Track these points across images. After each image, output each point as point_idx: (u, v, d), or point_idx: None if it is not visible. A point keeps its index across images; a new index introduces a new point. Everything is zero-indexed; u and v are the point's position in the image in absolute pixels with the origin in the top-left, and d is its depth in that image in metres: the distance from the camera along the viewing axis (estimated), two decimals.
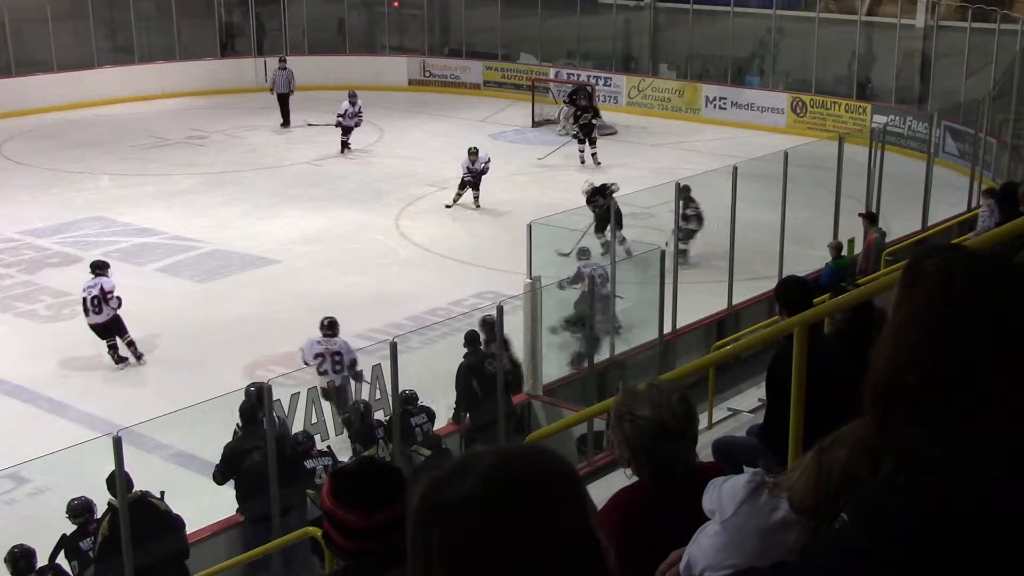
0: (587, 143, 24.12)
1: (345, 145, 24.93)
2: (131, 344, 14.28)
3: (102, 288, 14.10)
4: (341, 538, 2.79)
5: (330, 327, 12.56)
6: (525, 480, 1.42)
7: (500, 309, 11.00)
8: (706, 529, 2.62)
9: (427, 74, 33.07)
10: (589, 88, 27.14)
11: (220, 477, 9.90)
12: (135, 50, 31.21)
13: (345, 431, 10.78)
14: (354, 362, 12.25)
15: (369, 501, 2.75)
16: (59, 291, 16.70)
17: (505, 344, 11.49)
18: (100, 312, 14.05)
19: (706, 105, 28.83)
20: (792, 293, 5.78)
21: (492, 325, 11.44)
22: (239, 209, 20.95)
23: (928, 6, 26.23)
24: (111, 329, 14.16)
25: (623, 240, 15.66)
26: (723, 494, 2.61)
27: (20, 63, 29.29)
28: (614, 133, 27.39)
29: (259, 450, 9.71)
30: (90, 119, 28.36)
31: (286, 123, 27.65)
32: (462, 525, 1.38)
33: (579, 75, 29.92)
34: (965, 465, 1.37)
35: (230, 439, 10.01)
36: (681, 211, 15.58)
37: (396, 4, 34.51)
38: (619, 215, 15.95)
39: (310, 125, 26.65)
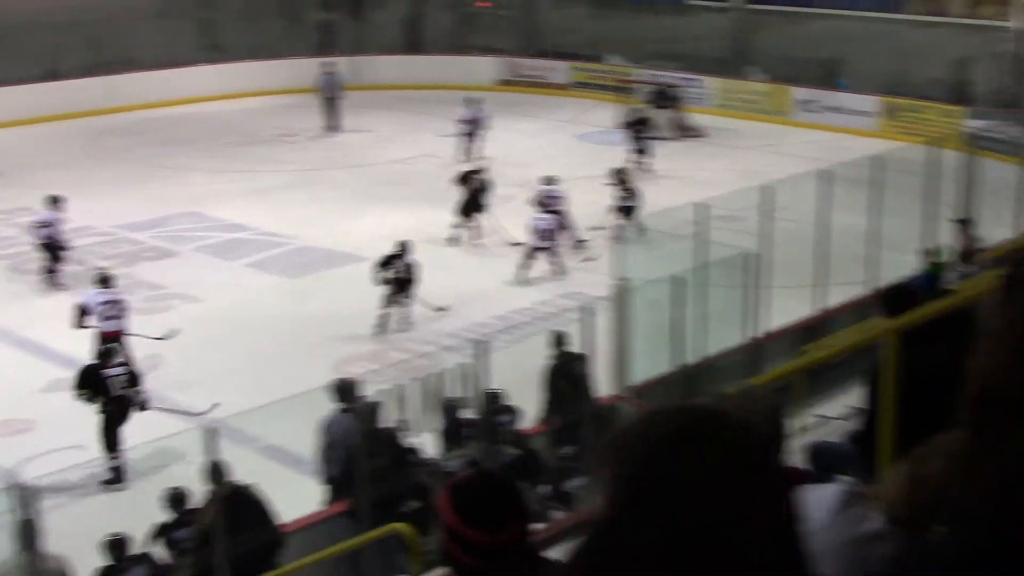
0: (642, 153, 23.58)
1: (469, 152, 24.25)
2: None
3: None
4: (464, 556, 2.66)
5: (103, 282, 13.92)
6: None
7: (589, 310, 11.02)
8: None
9: (514, 74, 33.14)
10: (672, 90, 27.04)
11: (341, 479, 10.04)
12: (228, 48, 31.73)
13: (435, 430, 10.85)
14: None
15: (495, 518, 2.64)
16: (154, 284, 17.04)
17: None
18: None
19: (795, 108, 28.53)
20: (897, 299, 5.71)
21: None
22: (328, 206, 21.19)
23: None
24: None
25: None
26: (813, 504, 2.60)
27: (117, 61, 29.92)
28: (702, 135, 27.23)
29: (380, 456, 9.85)
30: (184, 116, 28.91)
31: (333, 127, 27.52)
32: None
33: (666, 76, 29.74)
34: None
35: (325, 432, 10.17)
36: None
37: (485, 4, 34.64)
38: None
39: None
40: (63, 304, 16.29)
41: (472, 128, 24.44)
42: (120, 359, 12.28)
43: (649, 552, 1.30)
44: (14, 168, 23.90)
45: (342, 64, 31.17)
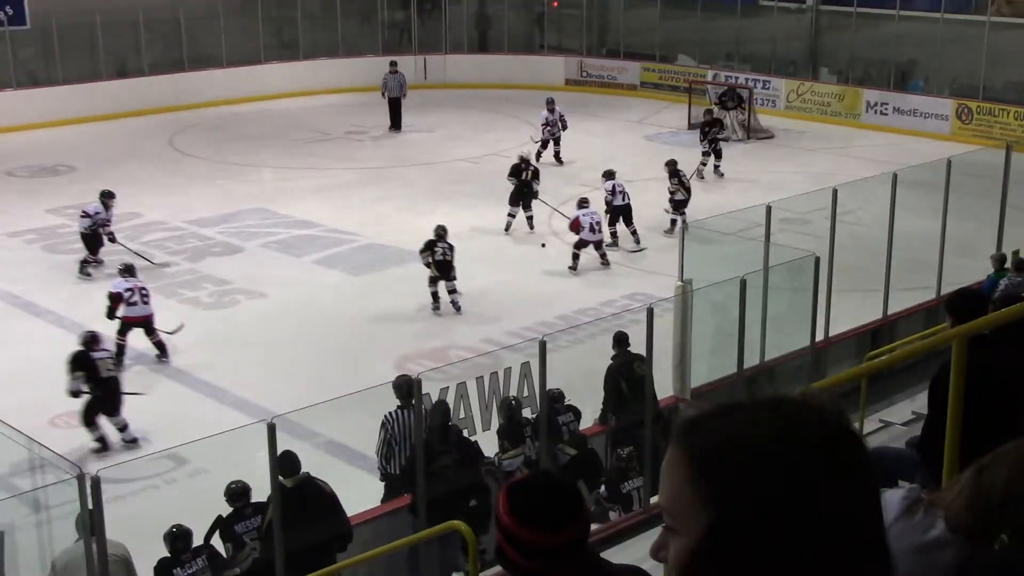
0: (712, 155, 23.30)
1: (557, 156, 24.26)
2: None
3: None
4: (519, 556, 2.65)
5: (126, 271, 14.58)
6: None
7: (651, 311, 10.95)
8: None
9: (584, 74, 33.10)
10: (741, 92, 26.88)
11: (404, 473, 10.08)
12: (300, 47, 32.03)
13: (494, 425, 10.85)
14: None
15: (552, 519, 2.63)
16: (221, 279, 17.23)
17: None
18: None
19: (867, 110, 28.20)
20: (965, 304, 5.60)
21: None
22: (395, 204, 21.30)
23: None
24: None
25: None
26: None
27: (192, 59, 30.34)
28: (771, 137, 27.03)
29: (448, 455, 9.88)
30: (256, 113, 29.24)
31: (396, 127, 27.61)
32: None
33: (737, 78, 29.56)
34: None
35: (388, 429, 10.22)
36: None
37: (555, 4, 34.65)
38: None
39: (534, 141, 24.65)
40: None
41: (553, 129, 24.40)
42: (105, 345, 12.66)
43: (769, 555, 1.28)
44: (87, 164, 24.27)
45: (410, 63, 31.36)
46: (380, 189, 22.45)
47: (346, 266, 18.07)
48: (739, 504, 1.27)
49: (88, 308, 15.72)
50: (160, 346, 14.47)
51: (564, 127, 24.51)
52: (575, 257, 17.77)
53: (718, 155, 23.28)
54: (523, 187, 19.67)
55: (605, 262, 17.90)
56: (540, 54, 33.94)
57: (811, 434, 1.32)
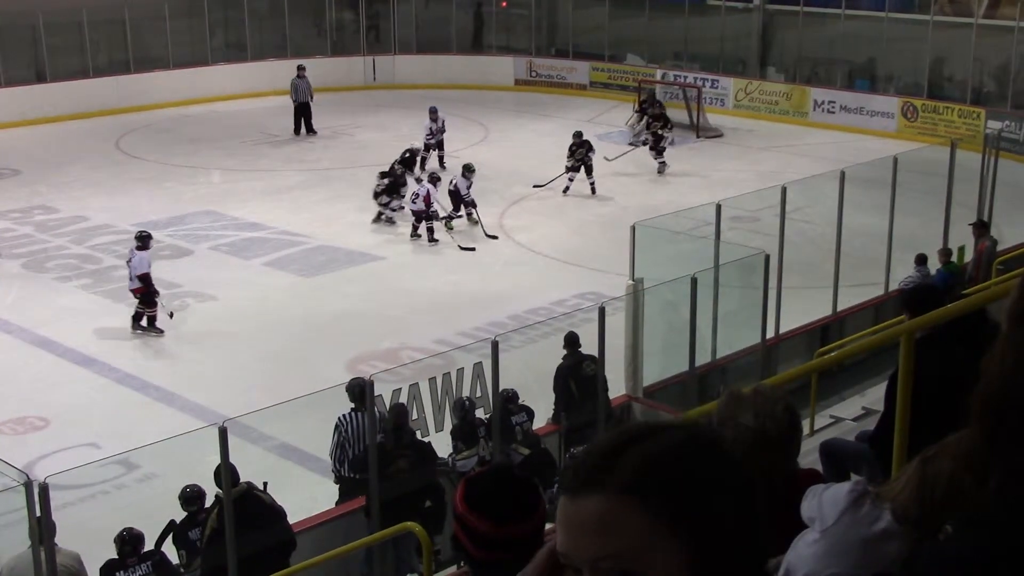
0: (655, 152, 23.67)
1: (440, 161, 24.11)
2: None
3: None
4: (472, 545, 2.73)
5: (139, 239, 15.35)
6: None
7: (602, 310, 10.99)
8: (805, 537, 2.59)
9: (533, 74, 33.14)
10: (660, 100, 27.11)
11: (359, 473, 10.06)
12: (248, 48, 31.82)
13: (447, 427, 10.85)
14: (144, 276, 15.07)
15: (502, 511, 2.70)
16: (170, 283, 17.04)
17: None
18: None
19: (814, 109, 28.45)
20: (922, 298, 5.65)
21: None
22: (346, 205, 21.20)
23: None
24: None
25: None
26: (824, 502, 2.58)
27: (138, 60, 30.04)
28: (720, 136, 27.19)
29: (405, 458, 9.84)
30: (203, 115, 29.00)
31: (300, 131, 27.13)
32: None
33: (685, 76, 29.73)
34: None
35: (342, 431, 10.18)
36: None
37: (504, 4, 34.66)
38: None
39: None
40: (78, 302, 16.41)
41: (437, 136, 24.40)
42: None
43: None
44: (33, 167, 23.98)
45: (359, 64, 31.24)
46: (330, 191, 22.36)
47: (297, 268, 17.98)
48: (714, 526, 1.32)
49: (35, 314, 15.57)
50: (150, 321, 15.20)
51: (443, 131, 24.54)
52: (430, 231, 19.07)
53: (657, 147, 23.77)
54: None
55: (432, 239, 19.05)
56: (489, 54, 33.94)
57: (724, 442, 1.40)
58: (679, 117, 27.35)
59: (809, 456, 6.11)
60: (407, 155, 21.58)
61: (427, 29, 33.69)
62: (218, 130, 27.45)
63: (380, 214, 20.09)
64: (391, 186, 20.18)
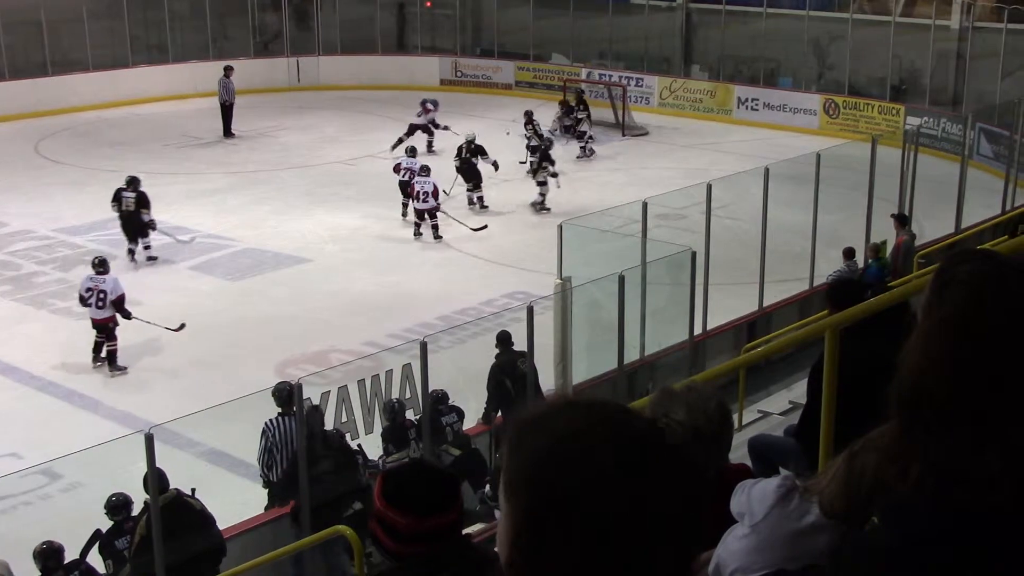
0: (576, 139, 25.08)
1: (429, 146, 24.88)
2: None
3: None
4: (389, 540, 2.73)
5: (100, 265, 14.20)
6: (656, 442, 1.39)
7: (531, 309, 11.00)
8: (734, 531, 2.61)
9: (459, 74, 33.11)
10: (578, 89, 27.72)
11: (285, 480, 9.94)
12: (169, 49, 31.42)
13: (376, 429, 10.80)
14: (121, 298, 14.05)
15: (419, 505, 2.70)
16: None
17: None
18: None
19: (738, 106, 28.74)
20: (844, 293, 5.72)
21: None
22: (272, 208, 21.04)
23: (963, 7, 26.01)
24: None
25: None
26: (753, 497, 2.60)
27: (56, 62, 29.52)
28: (645, 134, 27.37)
29: (328, 459, 9.77)
30: (125, 118, 28.57)
31: (228, 133, 26.94)
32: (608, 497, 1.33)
33: (610, 75, 29.88)
34: (991, 472, 1.36)
35: (266, 435, 10.08)
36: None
37: (428, 4, 34.58)
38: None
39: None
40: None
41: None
42: None
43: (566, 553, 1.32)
44: None
45: (283, 65, 31.00)
46: (255, 193, 22.15)
47: (223, 272, 17.79)
48: (542, 494, 1.33)
49: None
50: (111, 356, 14.10)
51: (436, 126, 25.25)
52: (416, 225, 19.26)
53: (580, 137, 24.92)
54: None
55: (437, 235, 19.08)
56: (414, 54, 33.86)
57: (611, 433, 1.36)
58: (605, 116, 27.52)
59: (738, 451, 6.16)
60: (472, 145, 21.52)
61: (351, 30, 33.49)
62: (140, 133, 27.07)
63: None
64: (468, 174, 20.96)
